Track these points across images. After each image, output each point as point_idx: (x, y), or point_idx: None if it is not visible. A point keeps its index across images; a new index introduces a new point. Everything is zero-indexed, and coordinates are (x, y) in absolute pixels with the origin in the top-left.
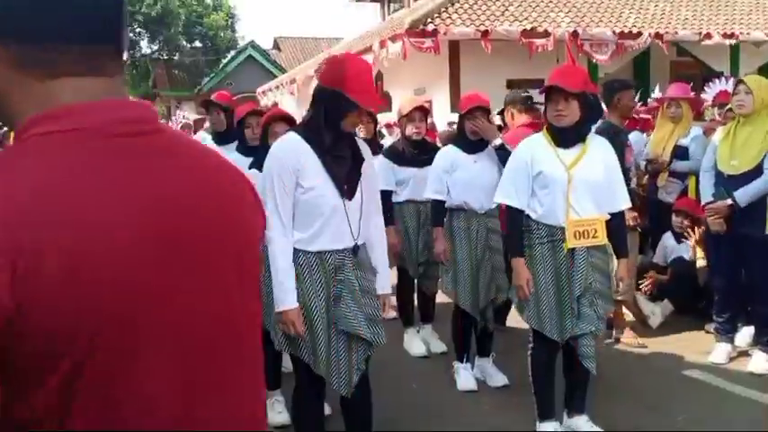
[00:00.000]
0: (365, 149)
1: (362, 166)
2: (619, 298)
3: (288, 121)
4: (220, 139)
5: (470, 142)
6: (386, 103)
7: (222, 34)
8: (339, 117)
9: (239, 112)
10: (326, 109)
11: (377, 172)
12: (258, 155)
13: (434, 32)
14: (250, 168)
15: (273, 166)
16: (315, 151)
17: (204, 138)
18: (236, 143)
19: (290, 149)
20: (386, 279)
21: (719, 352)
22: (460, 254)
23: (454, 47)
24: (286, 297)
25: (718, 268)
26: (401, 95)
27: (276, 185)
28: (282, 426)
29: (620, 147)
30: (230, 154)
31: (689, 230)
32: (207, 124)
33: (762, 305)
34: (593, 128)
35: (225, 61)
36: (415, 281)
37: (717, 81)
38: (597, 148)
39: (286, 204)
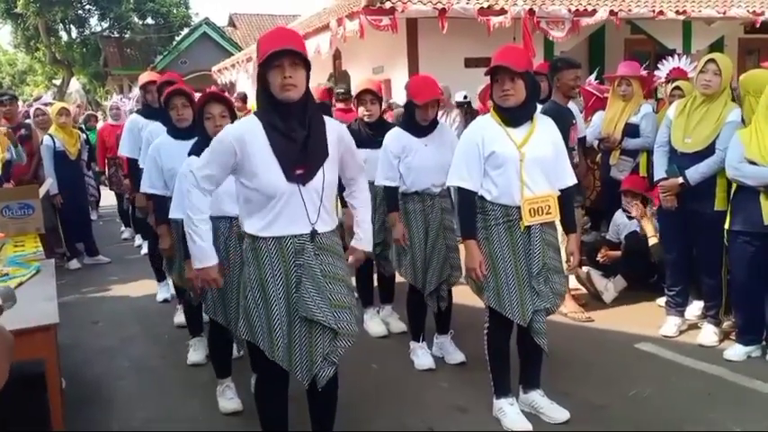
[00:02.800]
0: (336, 128)
1: (330, 148)
2: (566, 273)
3: (222, 101)
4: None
5: (420, 126)
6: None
7: (175, 11)
8: (265, 84)
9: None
10: (259, 87)
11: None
12: (198, 140)
13: (392, 10)
14: (189, 155)
15: (217, 139)
16: (266, 133)
17: (136, 119)
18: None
19: (239, 130)
20: (367, 235)
21: (670, 325)
22: (416, 236)
23: (412, 25)
24: (203, 255)
25: (669, 243)
26: (360, 74)
27: (210, 155)
28: (235, 412)
29: (564, 126)
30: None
31: (633, 207)
32: (129, 103)
33: (709, 279)
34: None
35: (178, 39)
36: (374, 261)
37: (671, 58)
38: (544, 126)
39: (212, 177)
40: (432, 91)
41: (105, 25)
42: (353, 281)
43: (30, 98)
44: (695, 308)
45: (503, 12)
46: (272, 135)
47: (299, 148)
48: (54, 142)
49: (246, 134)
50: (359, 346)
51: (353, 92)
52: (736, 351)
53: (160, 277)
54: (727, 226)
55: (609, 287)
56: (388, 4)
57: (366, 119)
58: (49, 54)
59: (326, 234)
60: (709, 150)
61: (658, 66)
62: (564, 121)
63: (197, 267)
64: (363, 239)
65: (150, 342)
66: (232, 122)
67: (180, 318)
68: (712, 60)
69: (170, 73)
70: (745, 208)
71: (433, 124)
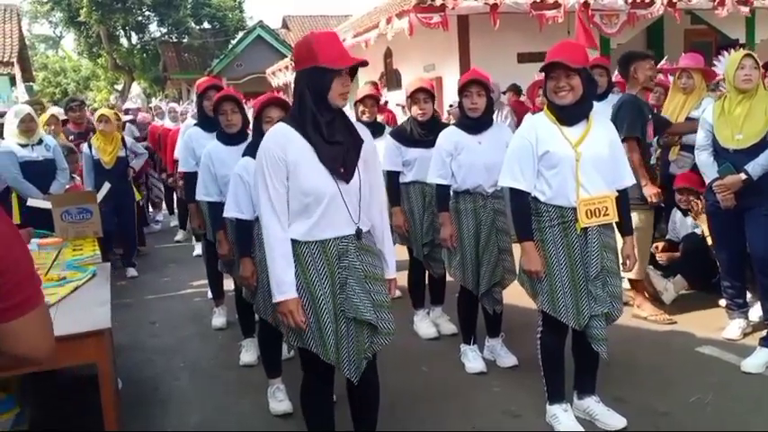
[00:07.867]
0: (364, 132)
1: (362, 149)
2: (633, 276)
3: (281, 105)
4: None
5: (473, 122)
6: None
7: (230, 15)
8: (325, 90)
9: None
10: (311, 89)
11: (379, 155)
12: (253, 143)
13: (442, 7)
14: (243, 156)
15: (263, 158)
16: (305, 138)
17: (189, 124)
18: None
19: (278, 139)
20: (392, 263)
21: (733, 328)
22: (467, 236)
23: (463, 21)
24: (282, 288)
25: (722, 243)
26: (411, 73)
27: (267, 176)
28: (285, 414)
29: (643, 121)
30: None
31: (693, 205)
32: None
33: (765, 278)
34: (616, 100)
35: (234, 42)
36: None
37: (732, 50)
38: (600, 125)
39: (280, 195)
40: (472, 73)
41: (164, 31)
42: (405, 283)
43: (93, 103)
44: (759, 309)
45: (556, 5)
46: (314, 138)
47: (339, 149)
48: (91, 151)
49: (288, 136)
50: (409, 348)
51: (406, 91)
52: None
53: (216, 295)
54: None
55: (668, 287)
56: (438, 2)
57: (419, 118)
58: (110, 60)
59: (365, 234)
60: (762, 144)
61: (716, 60)
62: (642, 115)
63: (274, 301)
64: (391, 268)
65: (204, 342)
66: None
67: (217, 321)
68: (748, 56)
69: (212, 78)
70: None
71: (488, 122)
